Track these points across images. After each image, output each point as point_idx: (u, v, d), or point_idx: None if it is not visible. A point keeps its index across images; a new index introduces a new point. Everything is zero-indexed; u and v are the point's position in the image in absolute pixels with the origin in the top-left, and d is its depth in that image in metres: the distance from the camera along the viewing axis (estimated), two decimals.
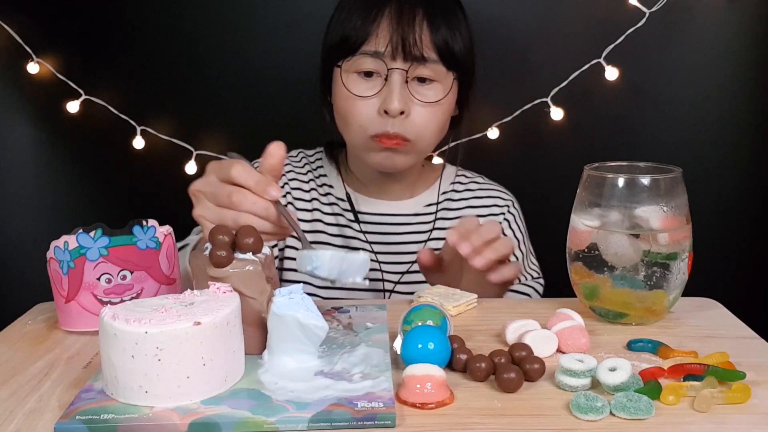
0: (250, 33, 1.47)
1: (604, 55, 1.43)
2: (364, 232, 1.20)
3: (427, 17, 1.08)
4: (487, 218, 1.23)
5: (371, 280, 1.18)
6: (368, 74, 1.09)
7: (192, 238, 1.12)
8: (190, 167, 1.50)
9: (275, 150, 0.84)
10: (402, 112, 1.07)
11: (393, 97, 1.06)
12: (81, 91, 1.48)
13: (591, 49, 1.44)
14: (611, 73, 1.43)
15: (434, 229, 1.22)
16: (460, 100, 1.17)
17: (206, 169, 0.87)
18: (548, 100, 1.46)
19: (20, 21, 1.46)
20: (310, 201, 1.22)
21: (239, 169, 0.82)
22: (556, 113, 1.45)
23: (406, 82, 1.08)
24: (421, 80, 1.09)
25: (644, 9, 1.41)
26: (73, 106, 1.48)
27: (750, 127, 1.48)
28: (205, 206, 0.84)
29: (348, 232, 1.20)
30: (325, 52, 1.14)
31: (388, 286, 1.20)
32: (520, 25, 1.46)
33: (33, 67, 1.46)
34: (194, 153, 1.49)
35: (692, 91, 1.47)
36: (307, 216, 1.22)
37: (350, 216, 1.20)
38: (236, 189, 0.82)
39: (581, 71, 1.44)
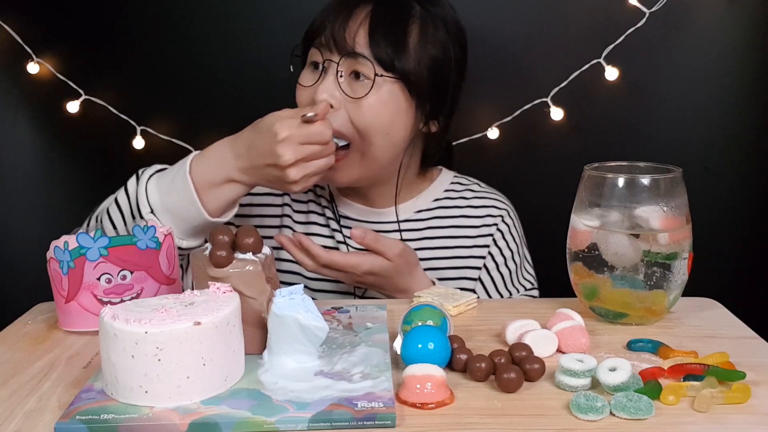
0: (250, 33, 1.47)
1: (604, 55, 1.43)
2: (348, 237, 1.18)
3: (372, 14, 1.08)
4: (479, 229, 1.21)
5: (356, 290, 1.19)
6: (316, 67, 1.11)
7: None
8: None
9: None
10: (332, 106, 1.06)
11: (320, 88, 1.07)
12: (81, 91, 1.48)
13: (591, 49, 1.44)
14: (611, 73, 1.43)
15: (424, 238, 1.20)
16: (428, 116, 1.14)
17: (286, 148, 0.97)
18: (548, 100, 1.46)
19: (20, 21, 1.46)
20: (306, 203, 1.22)
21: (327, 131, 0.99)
22: (556, 113, 1.45)
23: (341, 76, 1.07)
24: (357, 77, 1.08)
25: (644, 9, 1.41)
26: (73, 106, 1.48)
27: (750, 127, 1.48)
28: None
29: (339, 236, 1.19)
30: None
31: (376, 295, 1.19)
32: (520, 25, 1.46)
33: (33, 67, 1.46)
34: (194, 153, 1.49)
35: (692, 91, 1.47)
36: (302, 218, 1.21)
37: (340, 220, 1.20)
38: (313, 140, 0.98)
39: (581, 71, 1.44)
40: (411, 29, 1.09)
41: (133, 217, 1.01)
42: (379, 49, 1.07)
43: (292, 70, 1.15)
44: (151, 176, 1.03)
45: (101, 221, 1.05)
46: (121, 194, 1.04)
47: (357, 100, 1.07)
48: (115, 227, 1.03)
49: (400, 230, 1.20)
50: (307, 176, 0.99)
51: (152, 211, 1.00)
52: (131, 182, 1.04)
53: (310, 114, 0.97)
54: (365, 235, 1.03)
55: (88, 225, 1.09)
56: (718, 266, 1.44)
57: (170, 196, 1.00)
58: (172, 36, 1.48)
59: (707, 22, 1.44)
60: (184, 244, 1.01)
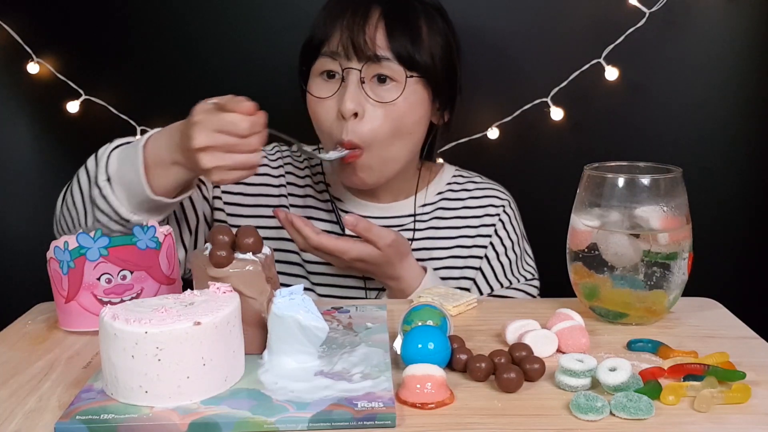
0: (250, 33, 1.47)
1: (604, 55, 1.43)
2: (353, 236, 1.18)
3: (384, 18, 1.07)
4: (481, 219, 1.22)
5: (367, 288, 1.19)
6: (331, 77, 1.09)
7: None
8: None
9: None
10: (356, 114, 1.06)
11: (346, 97, 1.05)
12: (81, 91, 1.47)
13: (591, 49, 1.44)
14: (611, 73, 1.43)
15: (429, 228, 1.21)
16: (442, 107, 1.15)
17: (199, 144, 0.90)
18: (548, 100, 1.46)
19: (20, 21, 1.46)
20: (303, 198, 1.22)
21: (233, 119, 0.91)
22: (556, 113, 1.45)
23: (363, 82, 1.07)
24: (382, 81, 1.07)
25: (644, 9, 1.41)
26: (73, 106, 1.48)
27: (750, 127, 1.48)
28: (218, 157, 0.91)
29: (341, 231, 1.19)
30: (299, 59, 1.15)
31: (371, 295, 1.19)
32: (520, 25, 1.46)
33: (33, 67, 1.46)
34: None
35: (692, 91, 1.47)
36: (300, 213, 1.20)
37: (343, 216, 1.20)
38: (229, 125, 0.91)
39: (581, 71, 1.44)
40: (421, 24, 1.10)
41: (95, 184, 0.98)
42: (402, 49, 1.07)
43: (305, 88, 1.12)
44: (119, 145, 1.01)
45: (71, 185, 1.03)
46: (90, 160, 1.02)
47: (385, 105, 1.07)
48: (81, 191, 1.01)
49: (415, 221, 1.21)
50: (223, 168, 0.91)
51: (108, 179, 0.97)
52: (102, 149, 1.02)
53: (214, 100, 0.93)
54: (357, 223, 1.03)
55: (68, 189, 1.06)
56: (718, 266, 1.44)
57: (123, 167, 0.97)
58: (172, 36, 1.47)
59: (707, 22, 1.44)
60: (135, 218, 0.97)
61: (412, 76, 1.08)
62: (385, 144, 1.09)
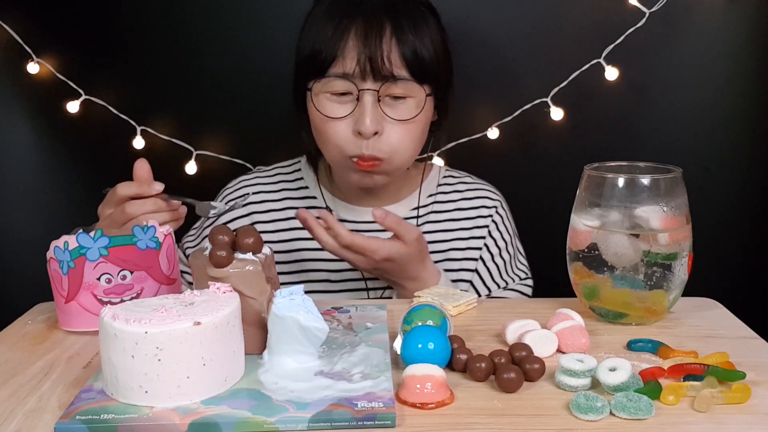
0: (250, 33, 1.47)
1: (604, 55, 1.43)
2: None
3: (395, 31, 1.05)
4: (474, 221, 1.22)
5: (356, 290, 1.19)
6: (339, 94, 1.07)
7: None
8: (190, 167, 1.49)
9: (139, 166, 0.99)
10: (376, 133, 1.06)
11: (365, 119, 1.05)
12: (81, 91, 1.47)
13: (591, 49, 1.44)
14: (611, 73, 1.43)
15: (423, 232, 1.20)
16: (438, 105, 1.15)
17: (99, 213, 1.01)
18: (548, 100, 1.46)
19: (20, 21, 1.46)
20: (285, 220, 1.21)
21: (122, 186, 0.98)
22: (556, 113, 1.45)
23: (378, 101, 1.06)
24: (394, 97, 1.07)
25: (644, 9, 1.41)
26: (73, 106, 1.48)
27: (750, 127, 1.48)
28: (112, 233, 0.94)
29: None
30: (296, 68, 1.13)
31: (374, 295, 1.19)
32: (520, 26, 1.46)
33: (33, 67, 1.46)
34: (194, 153, 1.49)
35: (692, 91, 1.47)
36: (285, 236, 1.20)
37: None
38: (125, 204, 0.96)
39: (581, 71, 1.44)
40: (425, 30, 1.09)
41: None
42: (417, 65, 1.06)
43: (316, 106, 1.09)
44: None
45: None
46: None
47: (402, 122, 1.07)
48: None
49: (418, 216, 1.21)
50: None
51: None
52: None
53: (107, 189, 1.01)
54: (386, 216, 1.02)
55: None
56: (718, 266, 1.44)
57: None
58: (172, 36, 1.47)
59: (707, 22, 1.44)
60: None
61: (430, 95, 1.08)
62: (405, 155, 1.10)
